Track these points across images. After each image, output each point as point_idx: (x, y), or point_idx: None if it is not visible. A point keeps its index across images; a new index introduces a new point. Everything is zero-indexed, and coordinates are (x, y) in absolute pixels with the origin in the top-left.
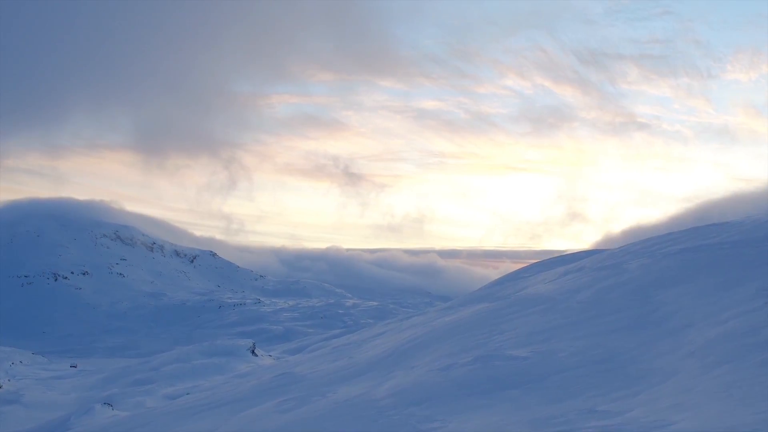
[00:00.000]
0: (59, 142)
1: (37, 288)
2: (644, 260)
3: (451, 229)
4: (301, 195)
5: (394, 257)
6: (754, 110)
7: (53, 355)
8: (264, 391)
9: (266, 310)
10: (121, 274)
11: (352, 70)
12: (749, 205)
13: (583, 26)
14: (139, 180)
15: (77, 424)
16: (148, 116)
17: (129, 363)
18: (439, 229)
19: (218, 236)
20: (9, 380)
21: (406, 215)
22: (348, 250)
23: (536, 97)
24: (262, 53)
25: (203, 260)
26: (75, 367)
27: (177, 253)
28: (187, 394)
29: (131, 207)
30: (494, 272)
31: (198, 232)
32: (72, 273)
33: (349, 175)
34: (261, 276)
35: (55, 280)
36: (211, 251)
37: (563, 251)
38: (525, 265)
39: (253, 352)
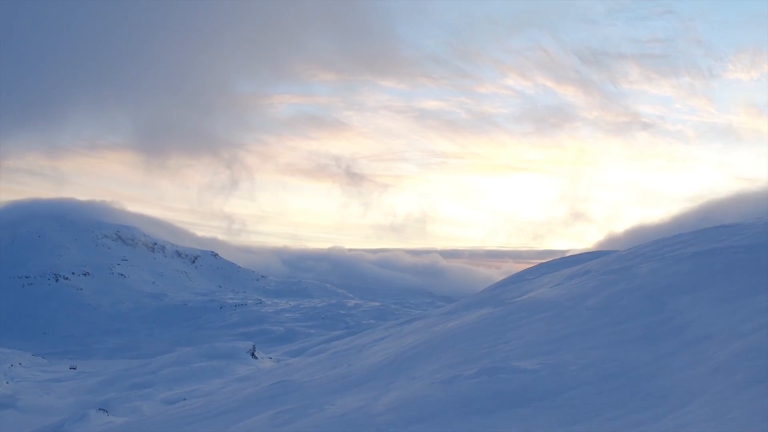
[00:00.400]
0: (60, 143)
1: (37, 289)
2: (654, 264)
3: (453, 229)
4: (302, 195)
5: (397, 257)
6: (755, 109)
7: (54, 356)
8: (260, 401)
9: (268, 311)
10: (122, 274)
11: (353, 70)
12: (753, 204)
13: (584, 26)
14: (140, 180)
15: (71, 431)
16: (150, 116)
17: (128, 365)
18: (441, 229)
19: (220, 237)
20: (7, 383)
21: (408, 215)
22: (350, 250)
23: (538, 97)
24: (263, 53)
25: (204, 261)
26: (74, 368)
27: (178, 254)
28: (184, 399)
29: (132, 207)
30: (496, 272)
31: (200, 233)
32: (73, 273)
33: (351, 175)
34: (262, 276)
35: (56, 280)
36: (213, 251)
37: (566, 251)
38: (527, 265)
39: (252, 354)
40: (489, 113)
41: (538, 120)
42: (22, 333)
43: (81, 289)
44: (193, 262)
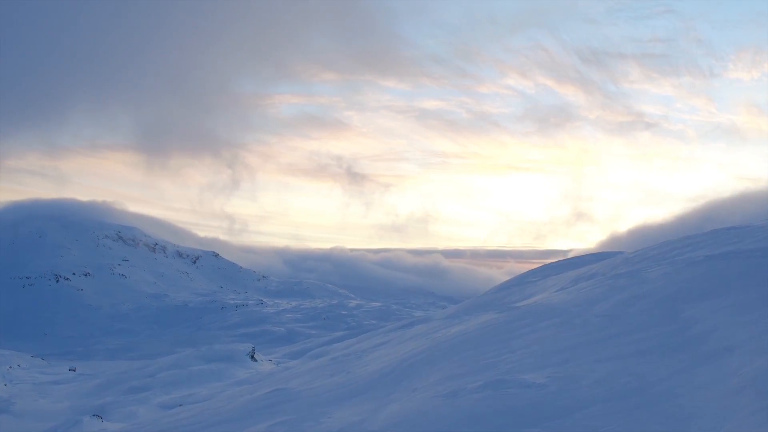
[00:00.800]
0: (60, 143)
1: (38, 289)
2: (665, 268)
3: (455, 229)
4: (304, 195)
5: (399, 257)
6: (756, 109)
7: (54, 357)
8: (255, 411)
9: (269, 311)
10: (123, 275)
11: (354, 69)
12: (756, 204)
13: (584, 25)
14: (141, 180)
15: None
16: (150, 116)
17: (127, 367)
18: (442, 229)
19: (222, 237)
20: (5, 385)
21: (410, 215)
22: (352, 250)
23: (538, 97)
24: (264, 53)
25: (206, 261)
26: (74, 370)
27: (179, 254)
28: (180, 405)
29: (133, 207)
30: (498, 272)
31: (201, 233)
32: (74, 274)
33: (352, 175)
34: (263, 277)
35: (57, 281)
36: (214, 252)
37: (568, 251)
38: (529, 265)
39: (252, 356)
40: (490, 113)
41: (539, 120)
42: (22, 334)
43: (82, 289)
44: (194, 262)
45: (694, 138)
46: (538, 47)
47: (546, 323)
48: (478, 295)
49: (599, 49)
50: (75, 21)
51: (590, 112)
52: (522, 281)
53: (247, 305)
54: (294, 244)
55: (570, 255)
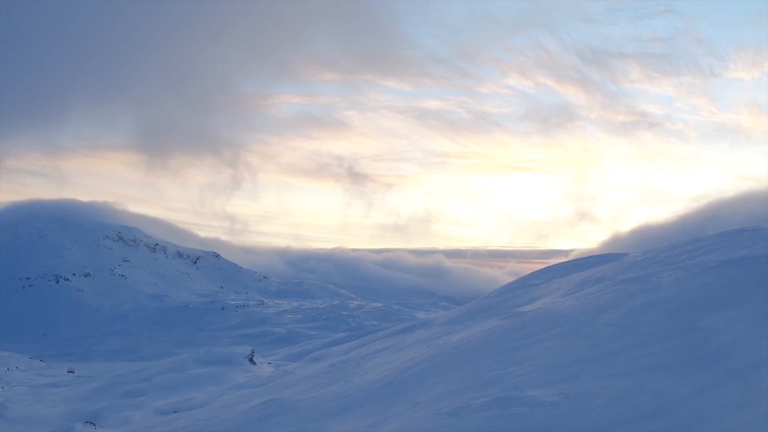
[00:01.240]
0: (61, 143)
1: (38, 290)
2: (677, 273)
3: (457, 229)
4: (305, 195)
5: (400, 258)
6: (757, 108)
7: (53, 358)
8: (249, 422)
9: (269, 312)
10: (123, 275)
11: (354, 69)
12: (759, 205)
13: (584, 25)
14: (141, 180)
15: None
16: (151, 116)
17: (124, 370)
18: (444, 229)
19: (223, 237)
20: (2, 388)
21: (411, 215)
22: (354, 250)
23: (539, 97)
24: (265, 53)
25: (206, 261)
26: (72, 372)
27: (180, 255)
28: (175, 411)
29: (134, 208)
30: (500, 272)
31: (202, 233)
32: (74, 275)
33: (354, 175)
34: (264, 277)
35: (57, 282)
36: (215, 252)
37: (570, 251)
38: (531, 265)
39: (251, 360)
40: (490, 113)
41: (539, 119)
42: (22, 335)
43: (82, 290)
44: (195, 262)
45: (695, 138)
46: (538, 47)
47: (553, 332)
48: (480, 295)
49: (599, 48)
50: (75, 21)
51: (591, 111)
52: (525, 284)
53: (247, 306)
54: (295, 245)
55: (572, 255)
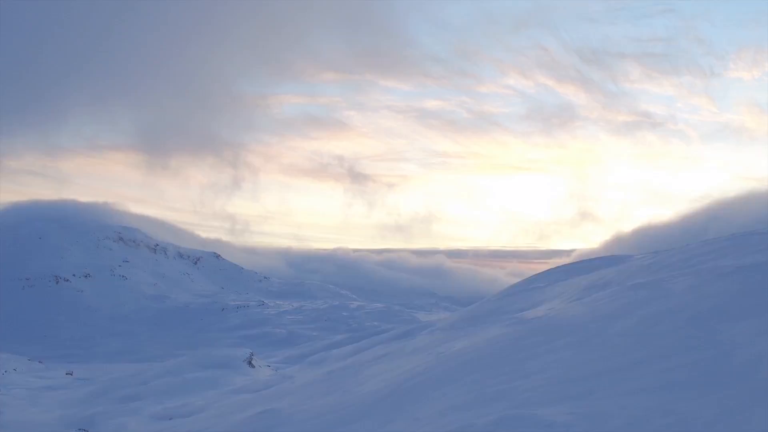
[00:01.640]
0: (60, 143)
1: (38, 291)
2: (690, 279)
3: (458, 229)
4: (306, 195)
5: (402, 258)
6: (757, 108)
7: (52, 360)
8: None
9: (270, 313)
10: (123, 276)
11: (354, 69)
12: (762, 205)
13: (584, 24)
14: (142, 181)
15: None
16: (151, 116)
17: (122, 373)
18: (445, 230)
19: (224, 238)
20: None
21: (412, 215)
22: (355, 251)
23: (539, 96)
24: (265, 53)
25: (207, 262)
26: (71, 374)
27: (180, 255)
28: (170, 419)
29: (134, 208)
30: (502, 272)
31: (203, 234)
32: (74, 275)
33: (354, 175)
34: (265, 277)
35: (57, 282)
36: (215, 253)
37: (571, 251)
38: (532, 265)
39: (250, 362)
40: (490, 113)
41: (539, 119)
42: (22, 336)
43: (82, 291)
44: (195, 263)
45: (696, 137)
46: (537, 47)
47: (561, 342)
48: (482, 296)
49: (599, 48)
50: (75, 20)
51: (591, 111)
52: (528, 286)
53: (248, 306)
54: (296, 245)
55: (574, 255)
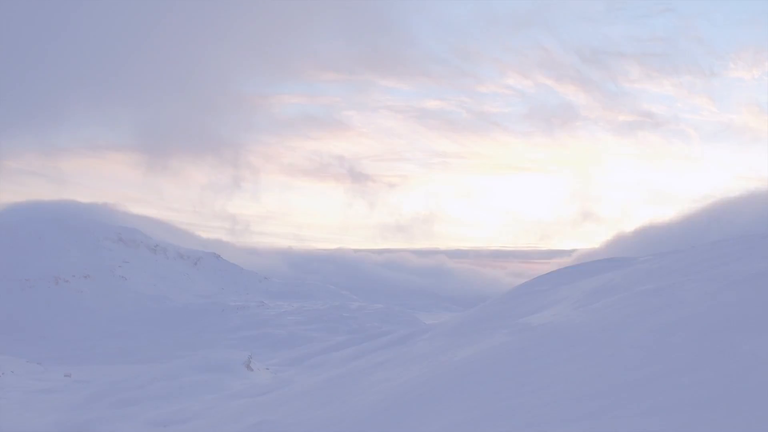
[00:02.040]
0: (60, 143)
1: (37, 292)
2: (703, 285)
3: (459, 229)
4: (306, 195)
5: (403, 258)
6: (757, 108)
7: (51, 361)
8: None
9: (270, 313)
10: (123, 277)
11: (354, 70)
12: (764, 205)
13: (584, 24)
14: (141, 181)
15: None
16: (151, 116)
17: (121, 375)
18: (446, 230)
19: (224, 238)
20: None
21: (412, 215)
22: (356, 251)
23: (538, 96)
24: (265, 53)
25: (207, 262)
26: (69, 376)
27: (180, 256)
28: (165, 426)
29: (134, 209)
30: (503, 273)
31: (203, 234)
32: (73, 276)
33: (355, 176)
34: (266, 278)
35: (56, 283)
36: (215, 253)
37: (572, 251)
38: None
39: (248, 366)
40: (490, 113)
41: (539, 119)
42: (21, 337)
43: (81, 291)
44: (196, 264)
45: (696, 137)
46: (537, 46)
47: (569, 353)
48: (483, 297)
49: (599, 48)
50: (75, 21)
51: (591, 111)
52: (531, 289)
53: (248, 307)
54: (297, 245)
55: (575, 255)
